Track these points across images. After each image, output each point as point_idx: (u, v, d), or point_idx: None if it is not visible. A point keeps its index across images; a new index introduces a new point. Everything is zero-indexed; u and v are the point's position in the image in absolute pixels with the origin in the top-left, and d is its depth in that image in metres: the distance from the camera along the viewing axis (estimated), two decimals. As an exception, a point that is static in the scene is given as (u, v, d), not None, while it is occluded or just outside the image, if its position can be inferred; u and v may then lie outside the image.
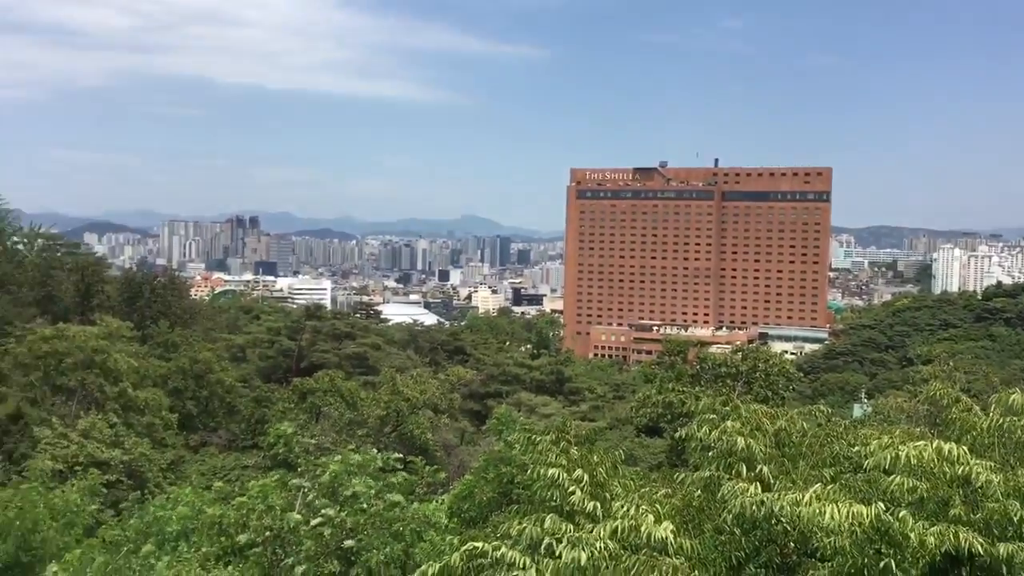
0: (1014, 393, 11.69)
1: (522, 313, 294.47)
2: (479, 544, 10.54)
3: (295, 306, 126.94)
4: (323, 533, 14.58)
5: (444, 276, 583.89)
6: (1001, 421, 11.60)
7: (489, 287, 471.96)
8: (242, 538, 16.63)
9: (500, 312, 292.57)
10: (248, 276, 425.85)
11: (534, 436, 14.07)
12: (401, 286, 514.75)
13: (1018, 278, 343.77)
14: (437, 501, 21.01)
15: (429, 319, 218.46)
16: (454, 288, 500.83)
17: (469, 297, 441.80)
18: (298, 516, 15.80)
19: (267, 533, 15.99)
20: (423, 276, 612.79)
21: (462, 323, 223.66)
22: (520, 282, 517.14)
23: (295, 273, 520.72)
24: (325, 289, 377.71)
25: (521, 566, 10.13)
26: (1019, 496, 10.51)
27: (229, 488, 22.00)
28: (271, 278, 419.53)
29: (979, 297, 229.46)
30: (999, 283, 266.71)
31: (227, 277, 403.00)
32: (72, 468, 32.95)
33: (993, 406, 12.02)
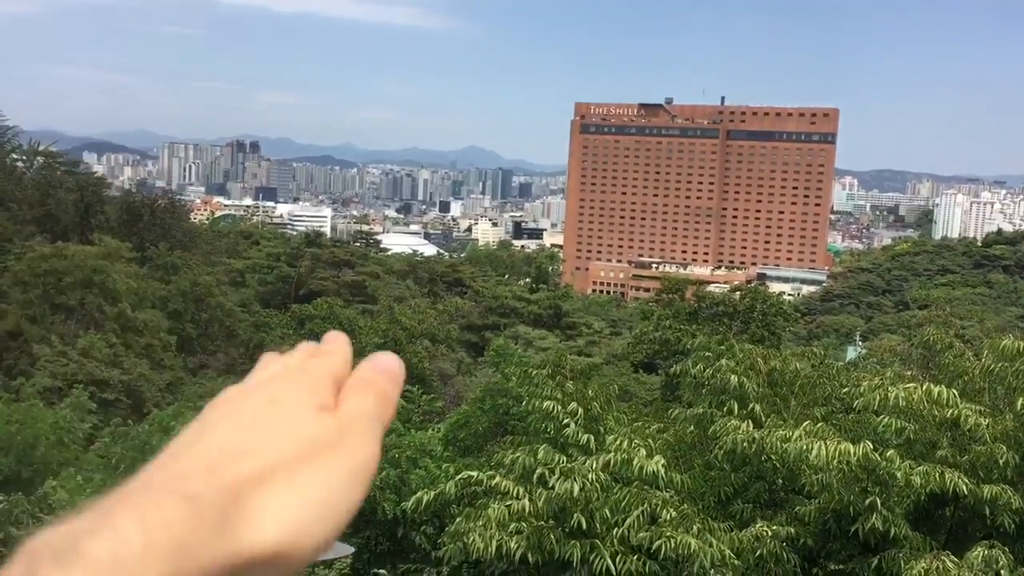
0: (1005, 340, 11.78)
1: (522, 247, 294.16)
2: (473, 473, 10.74)
3: (295, 233, 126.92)
4: (320, 457, 14.79)
5: (445, 207, 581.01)
6: (992, 367, 11.71)
7: (490, 220, 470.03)
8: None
9: (500, 245, 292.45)
10: (248, 201, 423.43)
11: (531, 369, 14.22)
12: (401, 216, 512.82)
13: (1019, 226, 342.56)
14: (433, 429, 21.30)
15: (429, 250, 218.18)
16: (454, 220, 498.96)
17: (469, 229, 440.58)
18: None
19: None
20: (424, 207, 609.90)
21: (462, 255, 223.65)
22: (521, 215, 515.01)
23: (295, 200, 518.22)
24: (325, 216, 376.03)
25: (515, 495, 10.33)
26: (1006, 439, 10.67)
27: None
28: (271, 204, 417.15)
29: (979, 244, 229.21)
30: (999, 230, 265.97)
31: (227, 201, 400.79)
32: (71, 386, 33.28)
33: (985, 352, 12.12)
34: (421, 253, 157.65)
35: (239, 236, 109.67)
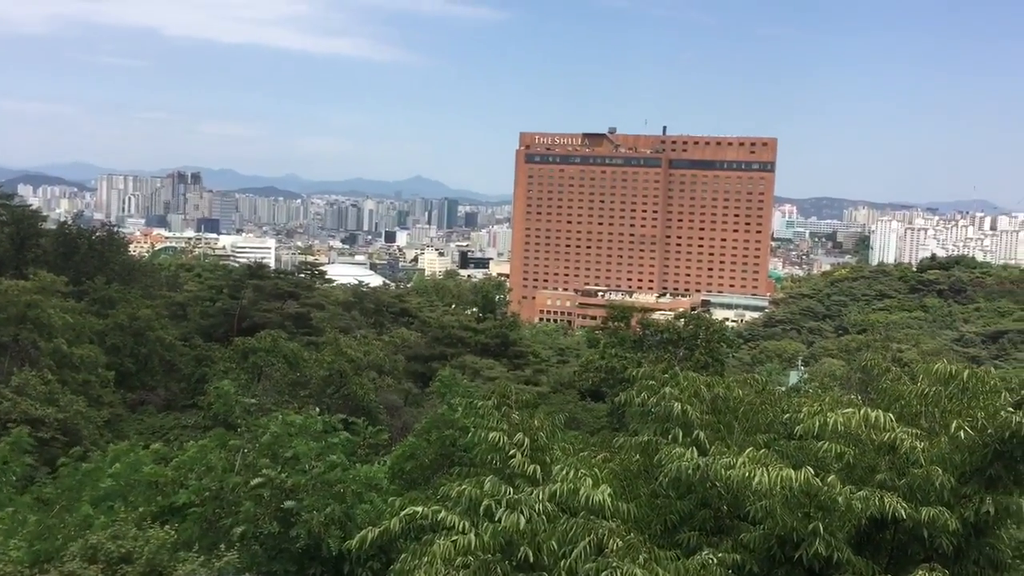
0: (938, 363, 12.06)
1: (468, 276, 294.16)
2: (418, 508, 10.62)
3: (238, 264, 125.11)
4: (263, 494, 14.53)
5: (391, 237, 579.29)
6: (927, 390, 11.97)
7: (436, 249, 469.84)
8: (180, 498, 16.52)
9: (446, 275, 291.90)
10: (190, 233, 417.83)
11: (476, 400, 14.17)
12: (347, 246, 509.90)
13: (952, 251, 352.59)
14: (379, 462, 21.05)
15: (375, 280, 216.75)
16: (400, 250, 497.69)
17: (416, 259, 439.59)
18: (237, 477, 15.73)
19: (206, 493, 15.90)
20: (369, 237, 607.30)
21: (408, 285, 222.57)
22: (467, 245, 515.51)
23: (238, 231, 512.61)
24: (269, 248, 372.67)
25: (461, 529, 10.23)
26: (942, 462, 10.89)
27: (166, 450, 21.77)
28: (213, 235, 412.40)
29: (914, 269, 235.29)
30: (933, 256, 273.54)
31: (167, 233, 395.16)
32: (5, 425, 32.25)
33: (920, 376, 12.39)
34: (367, 283, 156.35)
35: (180, 268, 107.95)
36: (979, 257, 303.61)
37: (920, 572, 9.80)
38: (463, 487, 10.85)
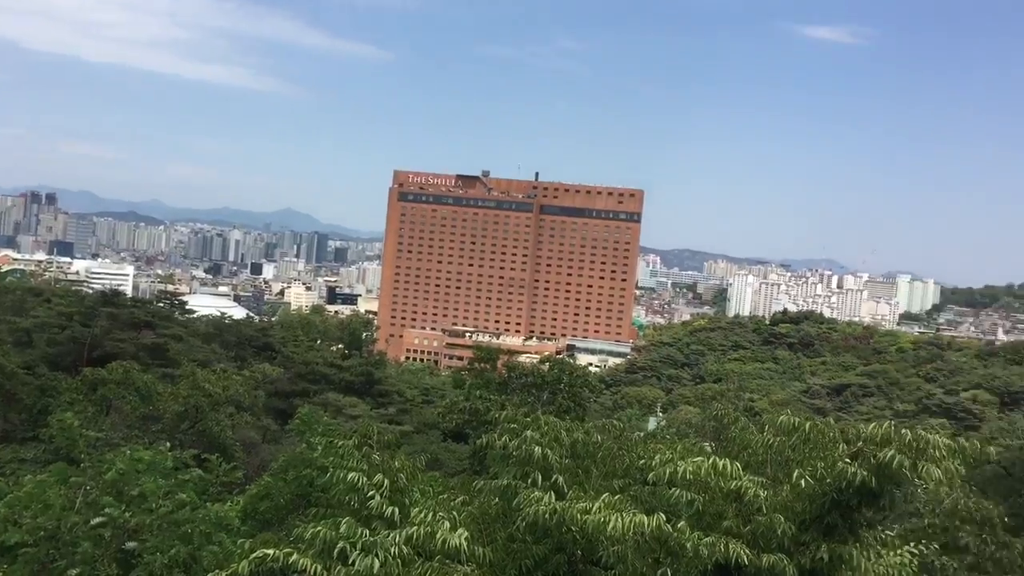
0: (783, 415, 12.67)
1: (336, 312, 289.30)
2: (269, 551, 10.32)
3: (91, 291, 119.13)
4: (103, 534, 13.80)
5: (257, 269, 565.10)
6: (772, 441, 12.55)
7: (303, 283, 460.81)
8: (12, 537, 15.49)
9: (313, 310, 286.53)
10: (41, 256, 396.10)
11: (336, 439, 13.96)
12: (210, 277, 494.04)
13: (802, 306, 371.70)
14: (232, 502, 20.36)
15: (238, 312, 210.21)
16: (267, 282, 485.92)
17: (282, 292, 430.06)
18: (77, 516, 14.90)
19: (40, 533, 14.98)
20: (235, 268, 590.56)
21: (273, 319, 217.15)
22: (336, 280, 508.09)
23: (94, 256, 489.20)
24: (127, 275, 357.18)
25: (313, 573, 10.01)
26: (784, 510, 11.40)
27: (2, 484, 20.41)
28: (67, 259, 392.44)
29: (767, 322, 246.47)
30: (785, 310, 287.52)
31: (16, 255, 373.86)
32: None
33: (767, 426, 12.98)
34: (229, 315, 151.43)
35: (28, 293, 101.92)
36: (826, 313, 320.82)
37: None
38: (318, 529, 10.63)
